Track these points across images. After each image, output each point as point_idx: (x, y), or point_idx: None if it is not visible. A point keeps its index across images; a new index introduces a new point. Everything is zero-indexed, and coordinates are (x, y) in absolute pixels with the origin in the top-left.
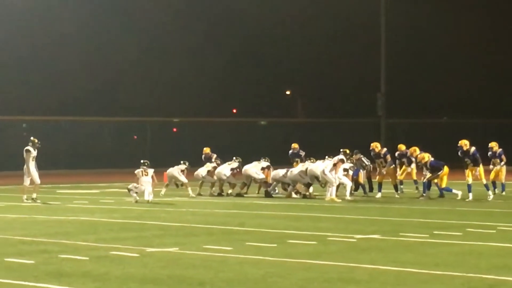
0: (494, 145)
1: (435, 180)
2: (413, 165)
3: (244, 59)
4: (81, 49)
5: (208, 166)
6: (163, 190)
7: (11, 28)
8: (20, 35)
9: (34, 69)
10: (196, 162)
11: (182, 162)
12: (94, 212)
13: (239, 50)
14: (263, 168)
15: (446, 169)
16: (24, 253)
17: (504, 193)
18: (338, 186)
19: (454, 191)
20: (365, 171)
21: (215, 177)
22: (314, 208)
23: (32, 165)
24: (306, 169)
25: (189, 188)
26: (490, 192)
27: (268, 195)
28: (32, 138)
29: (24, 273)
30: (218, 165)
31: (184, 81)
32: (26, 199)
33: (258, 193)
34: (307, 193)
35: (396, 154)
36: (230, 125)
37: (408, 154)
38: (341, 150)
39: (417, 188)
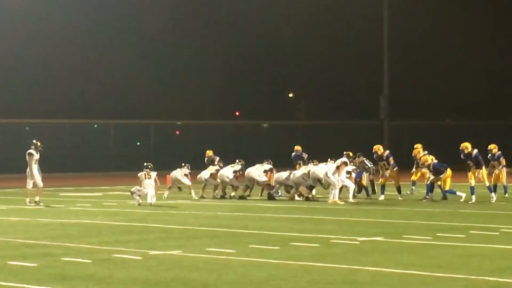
0: (493, 147)
1: (439, 183)
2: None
3: (247, 62)
4: (84, 52)
5: (211, 169)
6: (166, 193)
7: (13, 32)
8: (23, 39)
9: (37, 72)
10: (198, 164)
11: (183, 164)
12: (97, 215)
13: (242, 52)
14: (265, 171)
15: (449, 171)
16: (27, 256)
17: (507, 195)
18: (341, 189)
19: (458, 193)
20: (368, 174)
21: (218, 180)
22: (317, 210)
23: (34, 168)
24: (309, 171)
25: (192, 191)
26: (493, 194)
27: (270, 197)
28: (34, 141)
29: (27, 276)
30: (221, 167)
31: (187, 84)
32: (29, 202)
33: (261, 195)
34: (310, 196)
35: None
36: (233, 128)
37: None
38: (344, 152)
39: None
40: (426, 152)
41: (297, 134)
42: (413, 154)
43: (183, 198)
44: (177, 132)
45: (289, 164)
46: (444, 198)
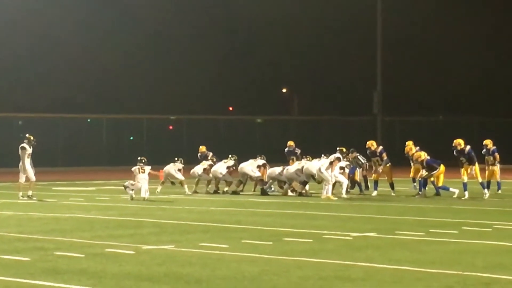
0: (488, 142)
1: (432, 179)
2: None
3: (240, 57)
4: (77, 47)
5: (204, 164)
6: (159, 188)
7: (6, 26)
8: (16, 33)
9: (30, 66)
10: (192, 159)
11: (176, 159)
12: (90, 209)
13: (235, 47)
14: (259, 166)
15: (442, 167)
16: (20, 250)
17: (500, 191)
18: (334, 184)
19: (451, 189)
20: (361, 169)
21: (210, 175)
22: (310, 206)
23: (27, 162)
24: (302, 167)
25: (185, 186)
26: (486, 191)
27: (264, 193)
28: (27, 135)
29: (20, 270)
30: (214, 163)
31: (181, 79)
32: (22, 196)
33: (254, 191)
34: (303, 191)
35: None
36: (226, 123)
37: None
38: (338, 148)
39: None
40: (418, 148)
41: (290, 130)
42: (405, 151)
43: (176, 193)
44: (171, 127)
45: (283, 159)
46: (437, 194)
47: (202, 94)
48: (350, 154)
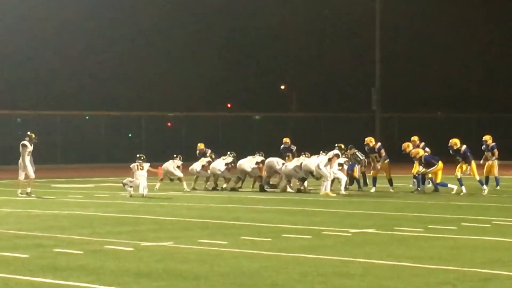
0: (488, 138)
1: (429, 175)
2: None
3: (239, 54)
4: (75, 43)
5: (203, 160)
6: (158, 185)
7: (3, 23)
8: (14, 30)
9: (28, 64)
10: (190, 156)
11: (175, 155)
12: (88, 206)
13: (234, 44)
14: (257, 163)
15: (440, 164)
16: (18, 247)
17: (498, 187)
18: (333, 181)
19: (449, 185)
20: (359, 166)
21: (209, 172)
22: (309, 202)
23: (27, 160)
24: (301, 164)
25: (184, 183)
26: (485, 187)
27: (262, 189)
28: (29, 133)
29: (19, 267)
30: (213, 159)
31: (179, 76)
32: (21, 193)
33: (252, 187)
34: (302, 188)
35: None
36: (225, 120)
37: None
38: (336, 145)
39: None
40: (423, 143)
41: (289, 127)
42: (402, 148)
43: (175, 190)
44: (169, 124)
45: (280, 156)
46: (436, 190)
47: (200, 91)
48: (348, 151)
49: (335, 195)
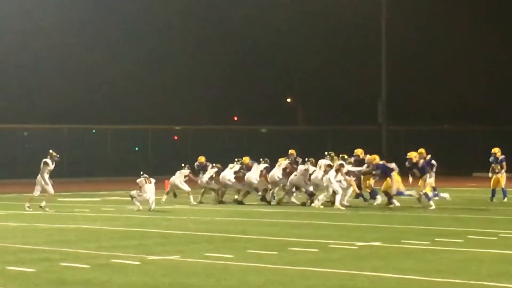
0: (497, 151)
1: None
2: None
3: (246, 67)
4: (82, 57)
5: (210, 172)
6: (164, 197)
7: (10, 37)
8: (21, 44)
9: (35, 77)
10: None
11: (183, 165)
12: (95, 220)
13: (241, 58)
14: (261, 171)
15: (396, 176)
16: (25, 261)
17: (505, 199)
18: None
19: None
20: None
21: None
22: (315, 215)
23: (47, 177)
24: (308, 171)
25: (191, 196)
26: (431, 203)
27: (264, 199)
28: (50, 151)
29: (25, 281)
30: (219, 169)
31: (185, 89)
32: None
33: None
34: (308, 202)
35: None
36: (231, 133)
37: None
38: (326, 153)
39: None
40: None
41: (295, 139)
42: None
43: (181, 203)
44: (175, 137)
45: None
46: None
47: (207, 104)
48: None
49: (344, 208)
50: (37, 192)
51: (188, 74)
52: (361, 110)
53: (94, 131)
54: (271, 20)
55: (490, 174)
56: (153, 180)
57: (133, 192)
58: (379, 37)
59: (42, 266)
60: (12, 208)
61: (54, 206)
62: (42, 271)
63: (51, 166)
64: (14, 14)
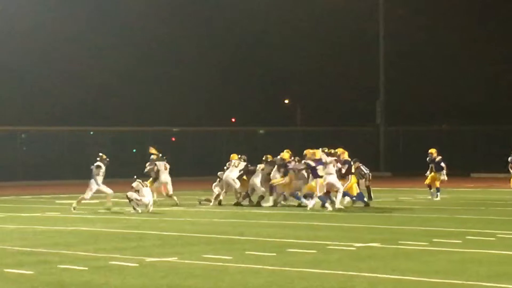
0: (434, 151)
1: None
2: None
3: (243, 68)
4: (80, 59)
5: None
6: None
7: (6, 39)
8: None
9: (32, 79)
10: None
11: (239, 156)
12: (93, 222)
13: (238, 59)
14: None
15: (353, 179)
16: (23, 264)
17: (438, 198)
18: (328, 192)
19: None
20: (364, 180)
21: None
22: (313, 216)
23: (100, 180)
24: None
25: (175, 197)
26: (327, 205)
27: (259, 204)
28: (100, 154)
29: (24, 284)
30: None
31: (183, 90)
32: (74, 209)
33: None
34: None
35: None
36: (229, 134)
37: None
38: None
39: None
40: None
41: (293, 141)
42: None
43: (179, 205)
44: (173, 139)
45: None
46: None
47: (205, 106)
48: (353, 165)
49: (343, 207)
50: (87, 195)
51: (186, 75)
52: (359, 110)
53: (91, 133)
54: (269, 21)
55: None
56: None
57: (130, 194)
58: (377, 38)
59: (40, 269)
60: (10, 211)
61: (52, 209)
62: (41, 273)
63: (103, 169)
64: (10, 16)
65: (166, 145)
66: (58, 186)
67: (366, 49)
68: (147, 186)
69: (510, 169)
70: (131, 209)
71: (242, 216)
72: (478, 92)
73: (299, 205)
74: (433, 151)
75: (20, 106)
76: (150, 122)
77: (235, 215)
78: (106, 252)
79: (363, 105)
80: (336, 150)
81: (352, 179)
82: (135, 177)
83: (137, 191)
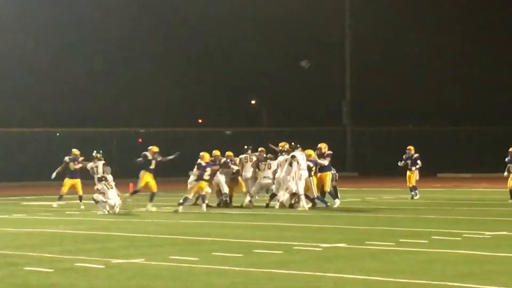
0: (411, 148)
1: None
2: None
3: (209, 69)
4: (44, 60)
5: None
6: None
7: None
8: None
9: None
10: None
11: (246, 147)
12: (59, 223)
13: (204, 60)
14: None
15: (314, 179)
16: None
17: (417, 197)
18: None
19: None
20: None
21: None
22: (280, 217)
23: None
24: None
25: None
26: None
27: (226, 205)
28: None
29: None
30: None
31: (150, 91)
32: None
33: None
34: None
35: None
36: (196, 135)
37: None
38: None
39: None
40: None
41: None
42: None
43: (145, 206)
44: (140, 140)
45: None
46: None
47: (171, 107)
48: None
49: (306, 208)
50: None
51: (152, 76)
52: (325, 110)
53: (58, 134)
54: (236, 21)
55: (505, 174)
56: (113, 184)
57: (96, 196)
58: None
59: (6, 271)
60: None
61: (18, 210)
62: (6, 275)
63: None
64: None
65: (132, 146)
66: (24, 187)
67: (332, 49)
68: (112, 188)
69: (506, 171)
70: (97, 211)
71: (208, 217)
72: (444, 93)
73: (267, 206)
74: (411, 147)
75: None
76: (116, 123)
77: (202, 216)
78: (72, 254)
79: (330, 105)
80: (320, 146)
81: (314, 180)
82: (99, 177)
83: (103, 193)
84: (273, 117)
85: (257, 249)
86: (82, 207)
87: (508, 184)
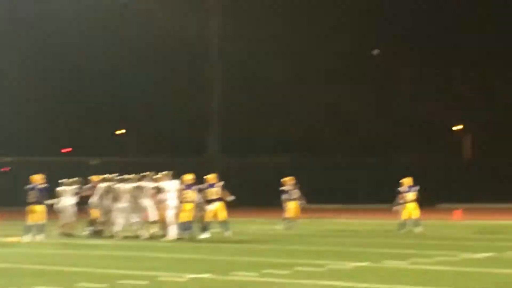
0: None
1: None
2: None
3: (76, 99)
4: None
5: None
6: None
7: None
8: None
9: None
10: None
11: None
12: None
13: (70, 89)
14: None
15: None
16: None
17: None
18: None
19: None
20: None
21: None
22: (146, 247)
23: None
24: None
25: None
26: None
27: (98, 234)
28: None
29: None
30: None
31: (15, 119)
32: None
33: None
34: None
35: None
36: (62, 165)
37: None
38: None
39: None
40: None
41: (127, 171)
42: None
43: (15, 235)
44: (8, 169)
45: None
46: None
47: (37, 136)
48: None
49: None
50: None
51: (18, 104)
52: (193, 141)
53: None
54: (101, 50)
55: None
56: None
57: None
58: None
59: None
60: None
61: None
62: None
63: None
64: None
65: None
66: None
67: (201, 78)
68: None
69: (398, 200)
70: None
71: (73, 247)
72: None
73: (151, 237)
74: (286, 179)
75: None
76: None
77: (67, 246)
78: None
79: (197, 135)
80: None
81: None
82: None
83: None
84: (141, 146)
85: (121, 280)
86: None
87: (402, 215)
